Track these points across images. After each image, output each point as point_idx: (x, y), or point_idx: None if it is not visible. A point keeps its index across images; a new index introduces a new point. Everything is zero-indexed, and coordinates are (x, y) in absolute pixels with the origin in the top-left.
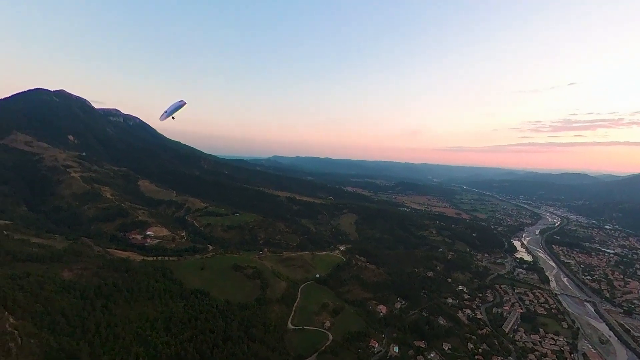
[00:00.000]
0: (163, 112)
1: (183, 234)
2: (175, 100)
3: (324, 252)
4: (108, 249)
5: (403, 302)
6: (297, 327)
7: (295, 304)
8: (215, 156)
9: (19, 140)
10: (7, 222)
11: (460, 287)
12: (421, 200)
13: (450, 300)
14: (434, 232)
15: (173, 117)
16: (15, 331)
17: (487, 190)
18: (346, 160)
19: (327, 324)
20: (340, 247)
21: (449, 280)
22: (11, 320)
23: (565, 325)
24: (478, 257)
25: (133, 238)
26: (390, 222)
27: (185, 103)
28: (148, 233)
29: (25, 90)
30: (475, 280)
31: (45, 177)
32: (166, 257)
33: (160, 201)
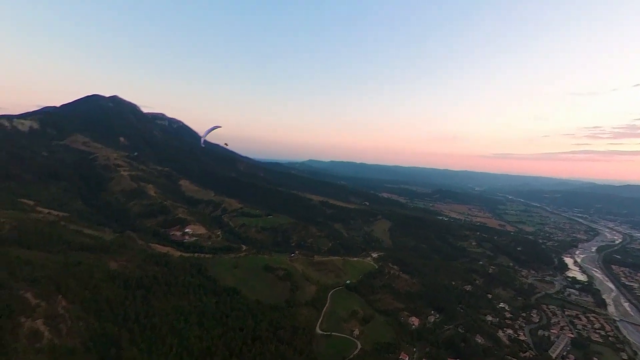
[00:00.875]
0: (201, 137)
1: (219, 233)
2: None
3: (356, 258)
4: (150, 244)
5: (437, 315)
6: (325, 333)
7: (325, 309)
8: (251, 159)
9: (78, 141)
10: (65, 214)
11: (501, 305)
12: (461, 210)
13: (489, 318)
14: (474, 243)
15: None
16: (66, 314)
17: (536, 201)
18: (381, 165)
19: (356, 332)
20: (372, 254)
21: (489, 296)
22: (63, 303)
23: (625, 357)
24: (523, 273)
25: (173, 234)
26: (427, 231)
27: (220, 127)
28: (187, 230)
29: (85, 96)
30: (519, 298)
31: (99, 174)
32: (202, 255)
33: (199, 200)
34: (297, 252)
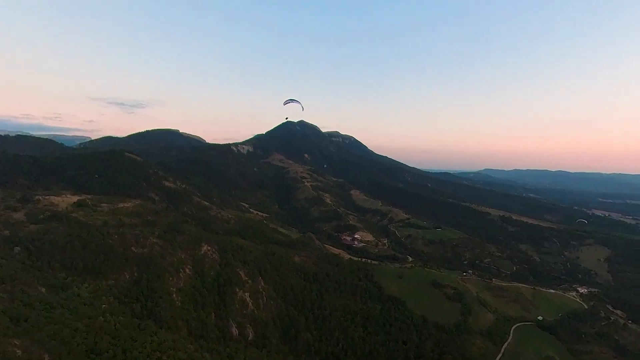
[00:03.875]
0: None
1: (385, 241)
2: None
3: (552, 291)
4: (325, 245)
5: None
6: None
7: (505, 345)
8: (419, 169)
9: (276, 159)
10: (266, 215)
11: None
12: None
13: None
14: None
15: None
16: (264, 292)
17: None
18: (590, 173)
19: None
20: (578, 289)
21: None
22: (262, 284)
23: None
24: None
25: (344, 238)
26: None
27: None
28: (356, 236)
29: (281, 123)
30: None
31: (289, 185)
32: (369, 260)
33: (367, 209)
34: (470, 271)
